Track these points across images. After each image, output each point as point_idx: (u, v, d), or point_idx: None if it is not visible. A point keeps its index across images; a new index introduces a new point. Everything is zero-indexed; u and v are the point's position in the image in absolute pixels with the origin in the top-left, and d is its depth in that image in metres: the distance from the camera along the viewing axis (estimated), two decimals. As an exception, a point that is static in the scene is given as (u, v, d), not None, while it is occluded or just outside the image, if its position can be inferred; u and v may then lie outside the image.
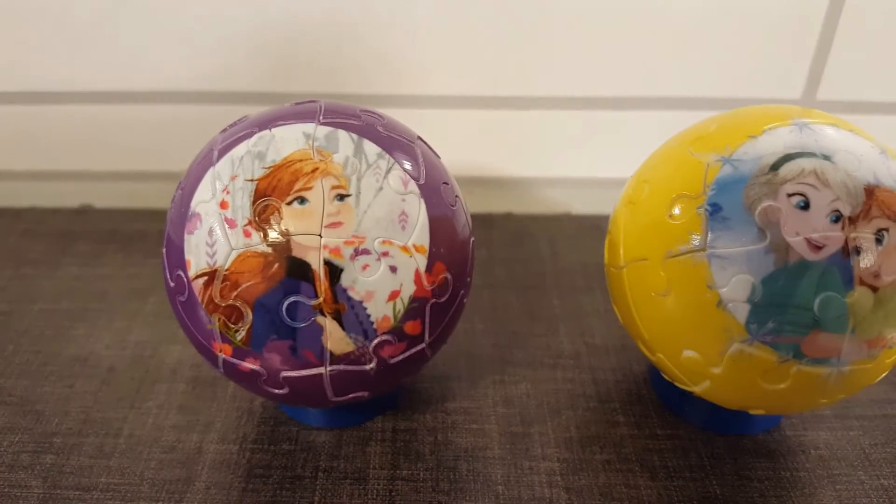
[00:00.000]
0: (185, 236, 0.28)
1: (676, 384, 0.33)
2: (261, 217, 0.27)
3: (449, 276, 0.30)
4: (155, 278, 0.45)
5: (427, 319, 0.30)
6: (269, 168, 0.28)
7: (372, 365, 0.29)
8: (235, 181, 0.28)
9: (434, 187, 0.30)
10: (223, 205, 0.28)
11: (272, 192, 0.27)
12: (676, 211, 0.30)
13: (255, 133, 0.29)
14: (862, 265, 0.28)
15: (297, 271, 0.27)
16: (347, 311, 0.27)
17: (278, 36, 0.46)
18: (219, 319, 0.28)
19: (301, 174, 0.27)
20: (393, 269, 0.28)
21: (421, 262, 0.29)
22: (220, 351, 0.29)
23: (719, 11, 0.45)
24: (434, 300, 0.29)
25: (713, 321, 0.29)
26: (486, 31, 0.45)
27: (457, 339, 0.40)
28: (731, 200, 0.29)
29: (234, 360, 0.29)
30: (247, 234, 0.27)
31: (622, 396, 0.38)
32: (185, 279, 0.28)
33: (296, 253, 0.27)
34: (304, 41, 0.46)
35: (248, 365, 0.29)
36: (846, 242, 0.28)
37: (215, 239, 0.27)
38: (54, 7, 0.45)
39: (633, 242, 0.32)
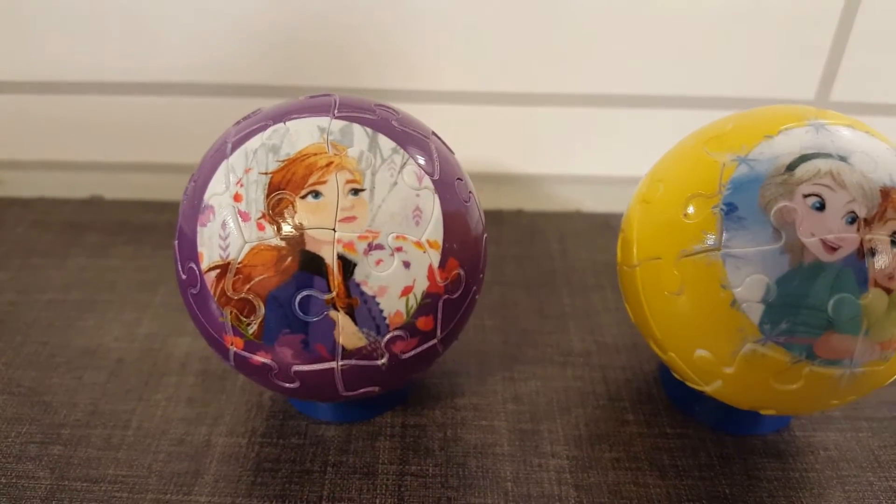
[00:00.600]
0: (198, 228, 0.28)
1: (688, 383, 0.33)
2: (275, 210, 0.27)
3: (462, 272, 0.30)
4: (165, 270, 0.45)
5: (439, 315, 0.30)
6: (284, 161, 0.28)
7: (384, 360, 0.29)
8: (249, 174, 0.28)
9: (448, 183, 0.30)
10: (237, 197, 0.27)
11: (286, 185, 0.27)
12: (691, 210, 0.30)
13: (270, 126, 0.29)
14: (877, 267, 0.27)
15: (311, 265, 0.27)
16: (360, 306, 0.27)
17: (293, 29, 0.46)
18: (231, 313, 0.28)
19: (315, 168, 0.27)
20: (406, 265, 0.28)
21: (434, 257, 0.29)
22: (232, 344, 0.29)
23: (734, 11, 0.45)
24: (447, 296, 0.29)
25: (727, 321, 0.29)
26: (500, 27, 0.45)
27: (467, 336, 0.40)
28: (746, 200, 0.29)
29: (246, 354, 0.29)
30: (260, 228, 0.27)
31: (632, 395, 0.38)
32: (198, 272, 0.28)
33: (309, 247, 0.27)
34: (319, 35, 0.46)
35: (260, 358, 0.29)
36: (861, 244, 0.27)
37: (228, 232, 0.27)
38: (65, -3, 0.45)
39: (647, 241, 0.32)
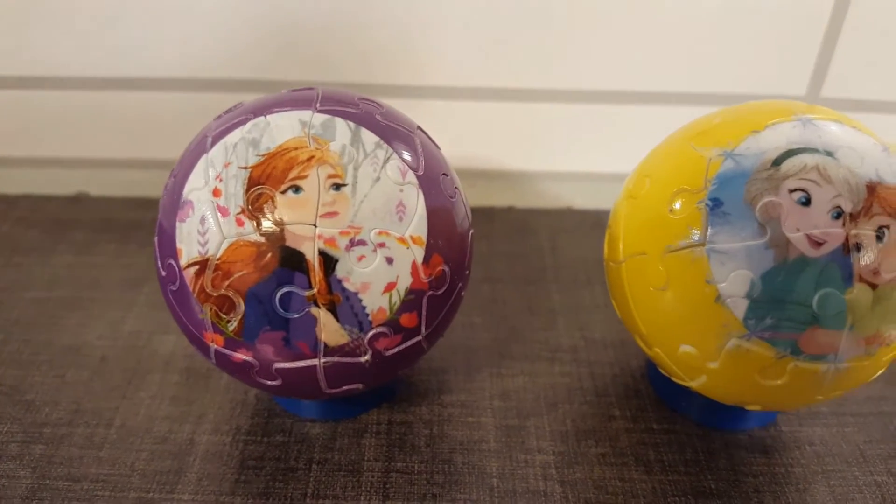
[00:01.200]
0: (177, 224, 0.28)
1: (673, 379, 0.33)
2: (254, 205, 0.27)
3: (447, 269, 0.30)
4: (150, 267, 0.44)
5: (424, 312, 0.29)
6: (264, 156, 0.27)
7: (367, 357, 0.29)
8: (229, 168, 0.27)
9: (433, 178, 0.29)
10: (216, 192, 0.27)
11: (266, 180, 0.27)
12: (677, 206, 0.30)
13: (250, 120, 0.28)
14: (862, 262, 0.27)
15: (291, 261, 0.26)
16: (342, 303, 0.27)
17: (277, 24, 0.45)
18: (210, 309, 0.27)
19: (296, 162, 0.27)
20: (389, 261, 0.28)
21: (418, 253, 0.28)
22: (212, 342, 0.28)
23: (725, 8, 0.44)
24: (431, 292, 0.29)
25: (711, 316, 0.29)
26: (488, 23, 0.45)
27: (454, 333, 0.40)
28: (732, 195, 0.28)
29: (227, 351, 0.28)
30: (239, 223, 0.27)
31: (619, 391, 0.38)
32: (177, 268, 0.28)
33: (289, 242, 0.27)
34: (304, 29, 0.45)
35: (241, 356, 0.28)
36: (847, 239, 0.27)
37: (207, 227, 0.27)
38: (49, -9, 0.44)
39: (633, 237, 0.32)
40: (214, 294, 0.27)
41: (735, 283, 0.28)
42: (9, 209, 0.50)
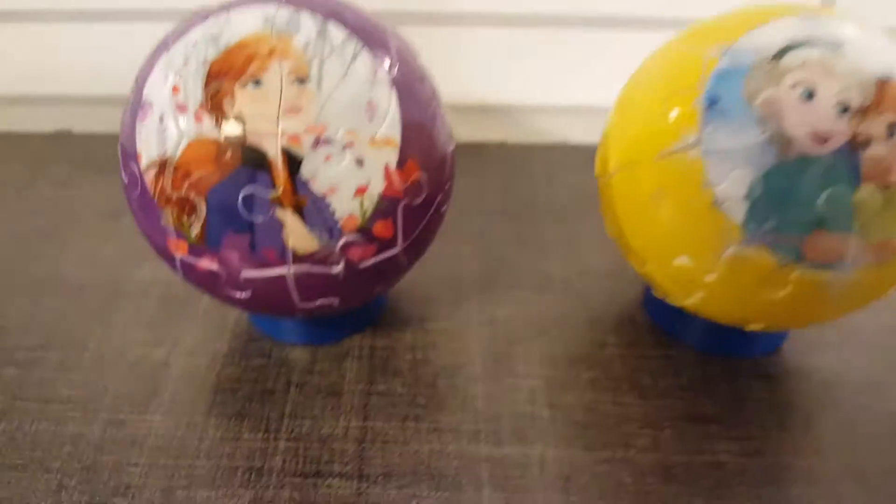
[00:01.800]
0: (137, 126, 0.26)
1: (668, 300, 0.31)
2: (213, 101, 0.25)
3: (423, 177, 0.28)
4: (131, 200, 0.43)
5: (399, 222, 0.28)
6: (224, 50, 0.25)
7: (339, 268, 0.27)
8: (188, 65, 0.26)
9: (408, 80, 0.28)
10: (174, 90, 0.25)
11: (225, 74, 0.25)
12: (670, 108, 0.28)
13: (212, 16, 0.27)
14: (871, 161, 0.25)
15: (253, 160, 0.25)
16: (309, 205, 0.25)
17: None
18: (172, 213, 0.26)
19: (257, 56, 0.25)
20: (359, 163, 0.26)
21: (391, 156, 0.26)
22: (177, 249, 0.27)
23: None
24: (406, 201, 0.27)
25: (708, 223, 0.27)
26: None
27: (441, 262, 0.39)
28: (729, 92, 0.26)
29: (192, 260, 0.27)
30: (198, 119, 0.25)
31: (613, 319, 0.36)
32: (138, 172, 0.26)
33: (251, 140, 0.25)
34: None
35: (206, 264, 0.27)
36: (854, 136, 0.25)
37: (165, 126, 0.25)
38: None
39: (625, 147, 0.30)
40: (175, 196, 0.26)
41: (734, 183, 0.26)
42: (-11, 147, 0.49)
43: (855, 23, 0.27)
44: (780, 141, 0.25)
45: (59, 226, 0.41)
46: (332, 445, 0.30)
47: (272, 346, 0.34)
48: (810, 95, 0.25)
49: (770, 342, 0.34)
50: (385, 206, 0.27)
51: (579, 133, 0.50)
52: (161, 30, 0.45)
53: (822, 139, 0.25)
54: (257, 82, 0.25)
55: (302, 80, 0.25)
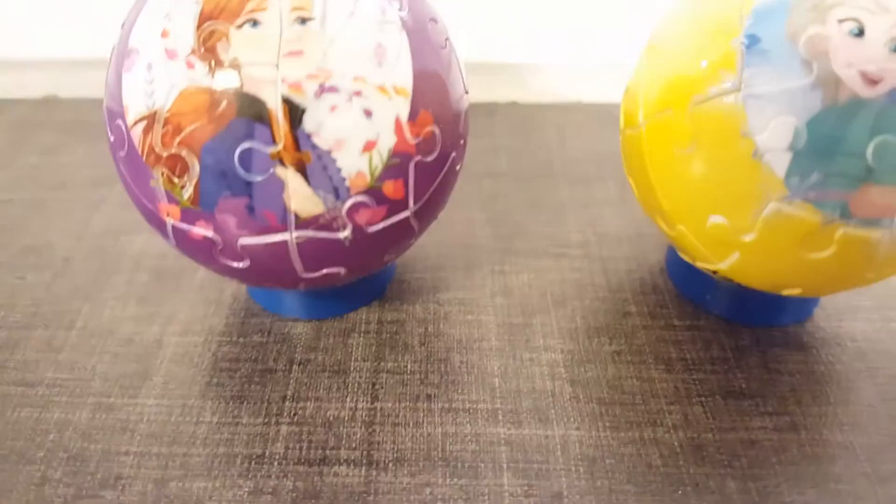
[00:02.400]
0: (123, 77, 0.24)
1: (698, 265, 0.29)
2: (206, 45, 0.22)
3: (437, 130, 0.25)
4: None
5: (411, 181, 0.25)
6: (217, -11, 0.23)
7: (346, 233, 0.25)
8: (179, 5, 0.23)
9: (419, 21, 0.25)
10: (164, 33, 0.23)
11: (219, 14, 0.23)
12: (707, 49, 0.25)
13: (203, -46, 0.24)
14: (928, 105, 0.23)
15: (250, 110, 0.22)
16: (313, 163, 0.23)
17: None
18: (162, 174, 0.24)
19: (254, -6, 0.23)
20: (368, 114, 0.23)
21: (402, 107, 0.24)
22: (168, 215, 0.25)
23: None
24: (419, 157, 0.25)
25: (747, 176, 0.24)
26: None
27: (452, 228, 0.36)
28: (771, 30, 0.24)
29: (184, 226, 0.25)
30: (190, 66, 0.22)
31: (635, 287, 0.34)
32: (124, 129, 0.24)
33: (248, 88, 0.22)
34: None
35: (200, 230, 0.25)
36: (909, 77, 0.23)
37: (154, 75, 0.23)
38: None
39: (656, 94, 0.27)
40: (165, 154, 0.23)
41: (776, 132, 0.24)
42: (-28, 117, 0.46)
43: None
44: (827, 83, 0.23)
45: (46, 196, 0.39)
46: (339, 429, 0.27)
47: (272, 321, 0.32)
48: (860, 32, 0.23)
49: (802, 309, 0.32)
50: (396, 163, 0.25)
51: (594, 92, 0.47)
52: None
53: (873, 80, 0.23)
54: (254, 23, 0.22)
55: (304, 20, 0.23)
